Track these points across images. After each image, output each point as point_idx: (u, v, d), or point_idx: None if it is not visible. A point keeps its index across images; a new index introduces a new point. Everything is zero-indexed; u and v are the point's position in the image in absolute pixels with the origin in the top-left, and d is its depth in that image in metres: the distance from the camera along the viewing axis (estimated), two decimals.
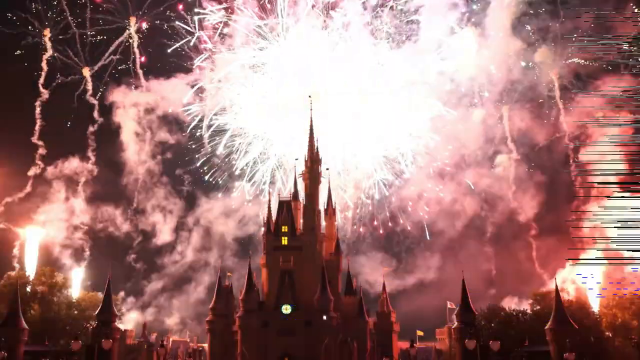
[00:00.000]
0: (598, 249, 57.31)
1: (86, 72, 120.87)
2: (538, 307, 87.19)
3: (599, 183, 57.61)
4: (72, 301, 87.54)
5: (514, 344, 72.49)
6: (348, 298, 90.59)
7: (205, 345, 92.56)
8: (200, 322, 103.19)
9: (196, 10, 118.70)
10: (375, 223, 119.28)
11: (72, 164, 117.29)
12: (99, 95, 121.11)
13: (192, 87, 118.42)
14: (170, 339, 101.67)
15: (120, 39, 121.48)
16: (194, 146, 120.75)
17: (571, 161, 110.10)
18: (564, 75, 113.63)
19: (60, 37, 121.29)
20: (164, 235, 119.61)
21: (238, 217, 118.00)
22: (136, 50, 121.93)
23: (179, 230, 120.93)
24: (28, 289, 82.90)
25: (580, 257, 61.86)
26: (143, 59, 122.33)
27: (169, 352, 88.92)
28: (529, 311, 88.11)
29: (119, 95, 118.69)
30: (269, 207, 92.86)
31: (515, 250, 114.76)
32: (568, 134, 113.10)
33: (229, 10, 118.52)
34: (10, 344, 59.29)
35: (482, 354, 43.97)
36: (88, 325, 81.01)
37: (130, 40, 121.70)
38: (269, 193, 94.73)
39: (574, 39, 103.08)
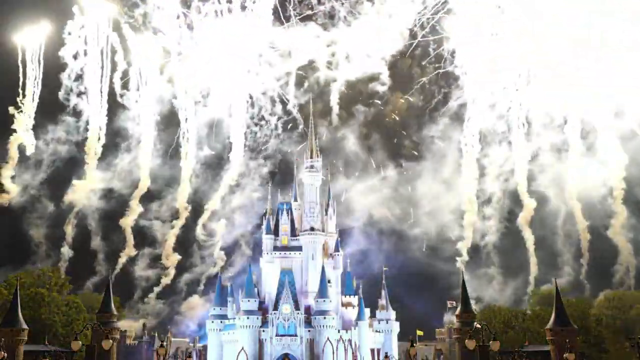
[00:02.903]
0: None
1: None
2: (538, 307, 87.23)
3: None
4: (72, 301, 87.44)
5: (514, 344, 72.59)
6: (348, 298, 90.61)
7: (206, 345, 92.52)
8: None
9: None
10: None
11: None
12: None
13: None
14: (171, 339, 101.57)
15: None
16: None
17: None
18: None
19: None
20: None
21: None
22: None
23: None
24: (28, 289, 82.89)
25: None
26: None
27: (169, 352, 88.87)
28: (528, 311, 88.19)
29: None
30: (269, 207, 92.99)
31: None
32: None
33: None
34: (10, 344, 59.23)
35: (482, 354, 43.83)
36: (88, 325, 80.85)
37: None
38: (269, 193, 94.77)
39: None
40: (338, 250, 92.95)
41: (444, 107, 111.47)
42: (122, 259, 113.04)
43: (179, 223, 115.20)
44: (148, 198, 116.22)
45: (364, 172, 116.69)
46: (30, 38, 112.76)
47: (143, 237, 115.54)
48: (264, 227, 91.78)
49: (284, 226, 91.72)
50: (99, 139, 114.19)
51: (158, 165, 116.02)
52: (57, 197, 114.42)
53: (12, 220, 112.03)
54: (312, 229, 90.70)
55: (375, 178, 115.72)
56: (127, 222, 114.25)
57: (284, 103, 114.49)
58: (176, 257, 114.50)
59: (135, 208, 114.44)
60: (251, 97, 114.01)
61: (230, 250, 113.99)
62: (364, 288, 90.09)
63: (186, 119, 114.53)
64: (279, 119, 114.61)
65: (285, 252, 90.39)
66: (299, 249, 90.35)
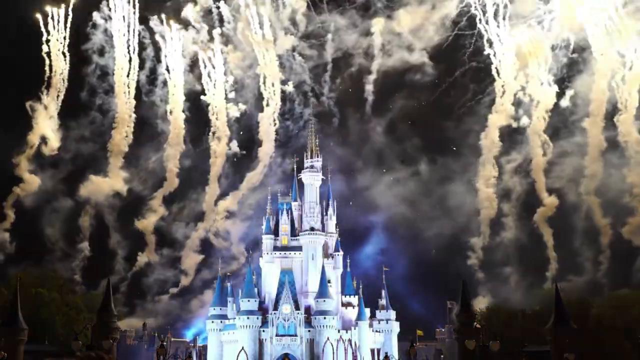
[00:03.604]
0: None
1: None
2: (538, 307, 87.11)
3: None
4: (72, 301, 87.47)
5: (514, 344, 72.53)
6: (348, 298, 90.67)
7: (206, 345, 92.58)
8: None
9: None
10: None
11: None
12: None
13: None
14: (171, 339, 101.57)
15: None
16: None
17: None
18: None
19: None
20: None
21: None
22: None
23: None
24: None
25: None
26: None
27: (169, 352, 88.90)
28: (528, 311, 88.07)
29: None
30: (269, 207, 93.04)
31: None
32: None
33: None
34: (10, 344, 59.20)
35: (482, 354, 43.88)
36: (88, 325, 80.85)
37: None
38: (269, 193, 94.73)
39: None
40: (338, 250, 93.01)
41: (476, 102, 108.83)
42: (143, 258, 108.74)
43: (205, 225, 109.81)
44: (171, 198, 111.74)
45: (391, 167, 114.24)
46: (55, 25, 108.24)
47: (163, 237, 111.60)
48: (263, 227, 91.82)
49: (284, 226, 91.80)
50: (126, 135, 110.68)
51: (184, 165, 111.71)
52: (76, 195, 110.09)
53: (29, 217, 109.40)
54: (312, 229, 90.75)
55: (402, 173, 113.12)
56: (148, 223, 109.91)
57: (316, 95, 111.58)
58: (197, 259, 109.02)
59: (159, 209, 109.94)
60: (283, 92, 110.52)
61: (251, 247, 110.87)
62: (373, 287, 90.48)
63: (216, 116, 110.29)
64: (310, 111, 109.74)
65: (285, 252, 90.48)
66: (299, 249, 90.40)
